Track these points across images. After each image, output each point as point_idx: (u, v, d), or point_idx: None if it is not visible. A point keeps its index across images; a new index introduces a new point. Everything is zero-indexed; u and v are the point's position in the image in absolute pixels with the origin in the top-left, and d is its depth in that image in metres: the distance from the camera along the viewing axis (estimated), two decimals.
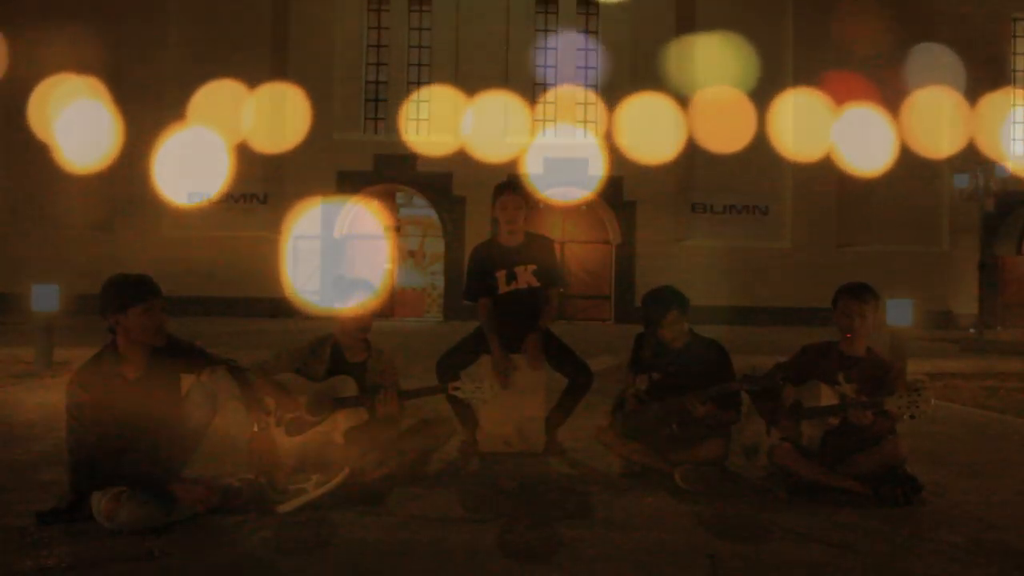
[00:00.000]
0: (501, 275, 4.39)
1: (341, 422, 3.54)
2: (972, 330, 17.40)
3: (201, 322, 14.85)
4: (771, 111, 20.64)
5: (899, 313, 8.10)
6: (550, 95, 21.16)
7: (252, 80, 20.18)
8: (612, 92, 20.70)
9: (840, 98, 20.62)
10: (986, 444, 4.88)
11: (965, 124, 20.77)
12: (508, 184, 4.53)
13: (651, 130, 20.32)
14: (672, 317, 3.77)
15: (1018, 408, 6.41)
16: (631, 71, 20.55)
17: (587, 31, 21.28)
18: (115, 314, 2.98)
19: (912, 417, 3.26)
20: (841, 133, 20.65)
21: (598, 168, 20.30)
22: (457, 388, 3.53)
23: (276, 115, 20.15)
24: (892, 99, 20.77)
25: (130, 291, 2.99)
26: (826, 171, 20.54)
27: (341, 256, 20.34)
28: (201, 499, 2.89)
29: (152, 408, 3.08)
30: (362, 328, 3.74)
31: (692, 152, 20.61)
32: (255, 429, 3.12)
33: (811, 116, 20.47)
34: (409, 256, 21.85)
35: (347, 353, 3.75)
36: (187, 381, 3.25)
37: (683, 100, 20.53)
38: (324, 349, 3.74)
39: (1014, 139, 21.70)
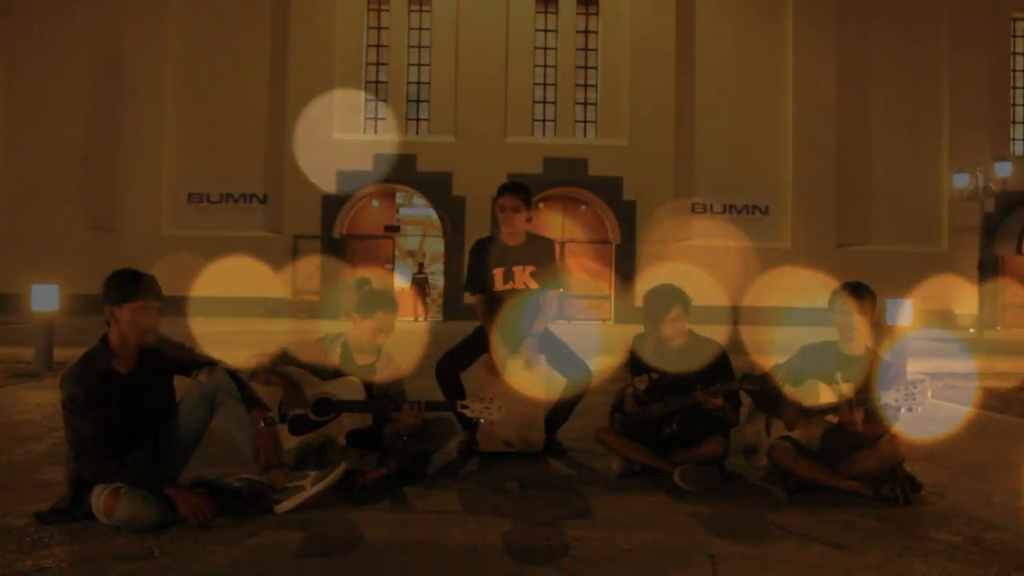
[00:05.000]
0: (498, 273, 4.39)
1: (344, 424, 3.54)
2: (972, 330, 17.41)
3: (201, 322, 14.85)
4: (771, 110, 20.66)
5: (899, 313, 8.08)
6: (550, 95, 21.16)
7: (252, 80, 20.22)
8: (612, 92, 20.71)
9: (841, 98, 20.65)
10: (986, 444, 4.88)
11: (965, 124, 20.79)
12: (508, 185, 4.48)
13: (651, 130, 20.34)
14: (674, 313, 3.77)
15: (1018, 408, 6.41)
16: (631, 71, 20.54)
17: (587, 31, 21.28)
18: (111, 306, 2.99)
19: (910, 410, 3.26)
20: (841, 132, 20.68)
21: (597, 168, 20.30)
22: (465, 407, 3.53)
23: (276, 115, 20.18)
24: (893, 98, 20.80)
25: (129, 286, 3.00)
26: (826, 171, 20.58)
27: (341, 256, 20.34)
28: (197, 512, 2.86)
29: (146, 404, 3.09)
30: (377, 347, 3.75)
31: (692, 152, 20.63)
32: (261, 425, 3.13)
33: (811, 115, 20.50)
34: (409, 256, 21.85)
35: (356, 355, 3.76)
36: (185, 381, 3.25)
37: (684, 100, 20.56)
38: (334, 348, 3.74)
39: (1014, 139, 21.70)
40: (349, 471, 3.31)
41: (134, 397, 3.04)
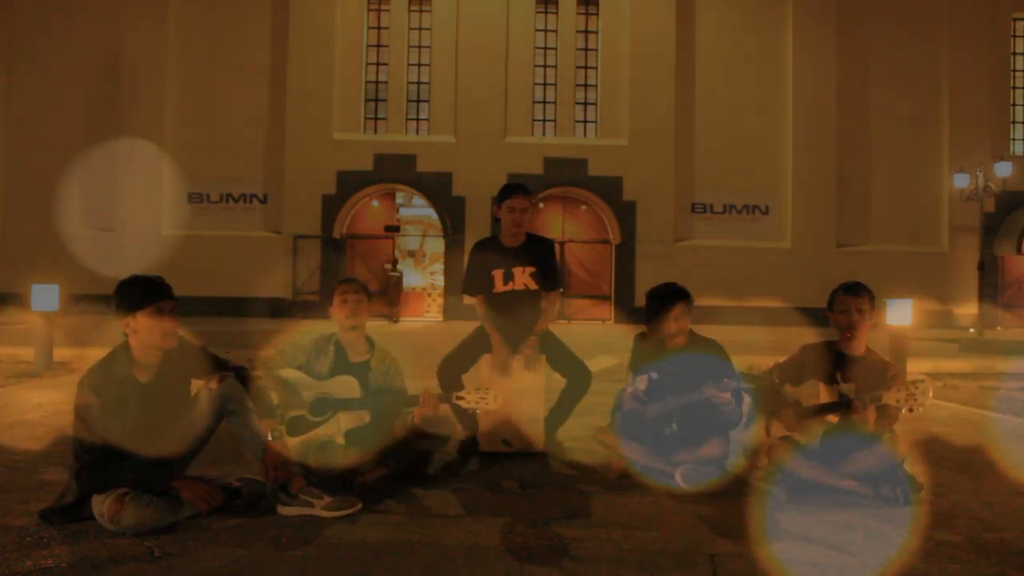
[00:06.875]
0: (498, 274, 4.39)
1: (342, 423, 3.55)
2: (972, 330, 17.40)
3: (201, 322, 14.84)
4: (771, 110, 20.65)
5: (899, 313, 8.07)
6: (550, 95, 21.15)
7: (252, 80, 20.22)
8: (612, 92, 20.70)
9: (841, 98, 20.64)
10: (986, 444, 4.88)
11: (965, 123, 20.78)
12: (517, 186, 4.44)
13: (651, 130, 20.33)
14: (677, 311, 3.77)
15: (1018, 408, 6.41)
16: (631, 71, 20.53)
17: (587, 31, 21.27)
18: (125, 314, 2.97)
19: (911, 410, 3.27)
20: (841, 132, 20.67)
21: (597, 168, 20.29)
22: (461, 398, 3.53)
23: (276, 115, 20.17)
24: (893, 98, 20.80)
25: (140, 293, 2.99)
26: (826, 171, 20.57)
27: (341, 256, 20.32)
28: (205, 498, 2.89)
29: (161, 413, 3.07)
30: (352, 325, 3.76)
31: (692, 152, 20.63)
32: (269, 438, 3.12)
33: (811, 115, 20.49)
34: (409, 256, 21.82)
35: (350, 352, 3.76)
36: (195, 385, 3.25)
37: (684, 100, 20.55)
38: (328, 347, 3.75)
39: (1014, 139, 21.69)
40: (352, 471, 3.32)
41: (150, 405, 3.02)
